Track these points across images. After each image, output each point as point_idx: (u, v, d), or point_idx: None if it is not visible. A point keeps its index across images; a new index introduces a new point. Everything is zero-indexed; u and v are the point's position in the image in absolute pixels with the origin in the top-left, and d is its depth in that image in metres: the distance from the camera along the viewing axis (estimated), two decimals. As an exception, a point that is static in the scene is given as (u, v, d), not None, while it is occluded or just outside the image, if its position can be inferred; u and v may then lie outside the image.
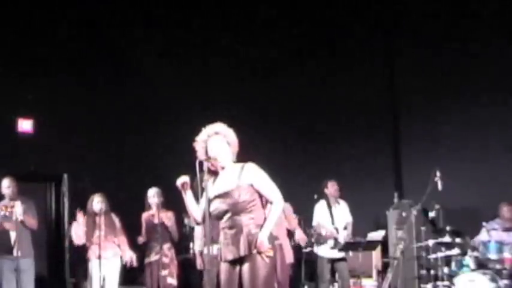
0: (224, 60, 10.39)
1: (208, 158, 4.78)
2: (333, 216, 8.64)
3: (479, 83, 9.43)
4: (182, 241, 8.45)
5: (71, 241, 8.09)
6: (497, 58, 9.22)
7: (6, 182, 7.61)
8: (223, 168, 4.83)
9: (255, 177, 4.74)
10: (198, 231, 7.79)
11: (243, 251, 4.64)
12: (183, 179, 4.73)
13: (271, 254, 4.67)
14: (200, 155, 4.81)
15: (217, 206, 4.75)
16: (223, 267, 4.75)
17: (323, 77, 10.60)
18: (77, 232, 7.82)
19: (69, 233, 8.18)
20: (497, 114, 9.24)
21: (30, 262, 7.66)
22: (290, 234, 7.67)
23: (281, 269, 7.36)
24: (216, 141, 4.81)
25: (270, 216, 4.73)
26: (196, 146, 4.84)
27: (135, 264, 8.00)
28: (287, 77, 10.58)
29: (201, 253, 7.85)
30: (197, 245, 7.90)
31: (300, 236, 8.00)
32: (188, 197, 4.80)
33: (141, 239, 8.12)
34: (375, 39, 10.81)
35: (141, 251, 8.26)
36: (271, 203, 4.77)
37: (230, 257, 4.70)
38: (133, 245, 8.22)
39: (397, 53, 10.77)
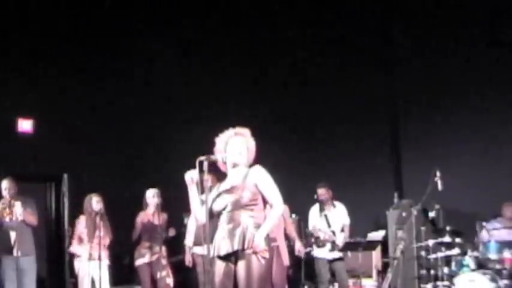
0: (224, 63, 10.38)
1: (208, 158, 4.80)
2: (328, 220, 8.62)
3: (479, 83, 9.43)
4: (181, 241, 8.45)
5: (70, 241, 8.09)
6: (498, 58, 9.22)
7: (4, 184, 7.64)
8: (234, 166, 4.89)
9: (260, 178, 4.83)
10: (192, 226, 7.76)
11: (236, 245, 4.66)
12: (191, 174, 4.77)
13: (266, 255, 4.68)
14: (218, 150, 4.94)
15: (220, 201, 4.82)
16: (218, 267, 4.75)
17: (323, 78, 10.60)
18: (80, 235, 7.84)
19: (69, 233, 8.18)
20: (497, 114, 9.24)
21: (32, 261, 7.67)
22: (287, 236, 7.63)
23: (278, 271, 7.37)
24: (239, 141, 4.94)
25: (269, 218, 4.78)
26: (218, 140, 4.98)
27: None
28: (287, 76, 10.58)
29: (191, 249, 7.85)
30: (188, 240, 7.87)
31: (299, 247, 7.92)
32: (194, 193, 4.84)
33: (135, 235, 8.16)
34: (375, 40, 10.80)
35: (132, 251, 8.28)
36: (271, 206, 4.82)
37: (224, 251, 4.71)
38: (130, 244, 8.24)
39: (397, 53, 10.77)
